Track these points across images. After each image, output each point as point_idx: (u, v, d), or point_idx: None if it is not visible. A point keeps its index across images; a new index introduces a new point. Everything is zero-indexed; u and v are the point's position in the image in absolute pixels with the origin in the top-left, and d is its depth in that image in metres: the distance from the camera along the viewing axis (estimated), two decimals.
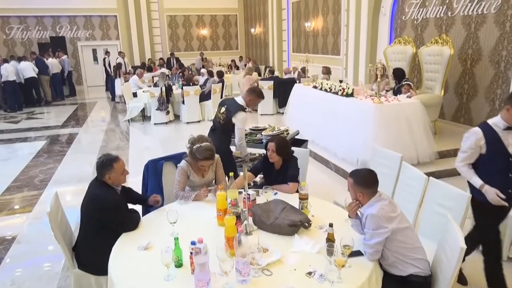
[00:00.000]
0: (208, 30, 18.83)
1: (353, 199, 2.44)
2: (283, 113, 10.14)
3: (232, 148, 4.41)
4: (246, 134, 4.64)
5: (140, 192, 3.67)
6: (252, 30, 17.68)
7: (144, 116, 9.93)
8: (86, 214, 2.77)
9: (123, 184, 2.95)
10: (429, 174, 5.32)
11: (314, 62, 11.18)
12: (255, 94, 4.12)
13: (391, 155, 3.68)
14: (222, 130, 4.18)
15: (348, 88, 6.13)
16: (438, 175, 5.48)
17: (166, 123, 9.47)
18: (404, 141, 5.42)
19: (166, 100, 9.27)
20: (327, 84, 6.83)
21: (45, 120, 10.61)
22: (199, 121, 9.57)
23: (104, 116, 11.02)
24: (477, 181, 2.81)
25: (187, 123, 9.44)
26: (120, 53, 14.72)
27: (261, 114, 10.23)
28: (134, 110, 9.74)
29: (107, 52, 15.03)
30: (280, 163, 3.41)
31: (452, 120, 7.16)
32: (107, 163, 2.73)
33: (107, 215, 2.63)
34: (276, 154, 3.32)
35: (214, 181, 3.47)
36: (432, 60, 6.65)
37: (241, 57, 17.55)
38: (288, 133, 4.59)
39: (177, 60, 15.70)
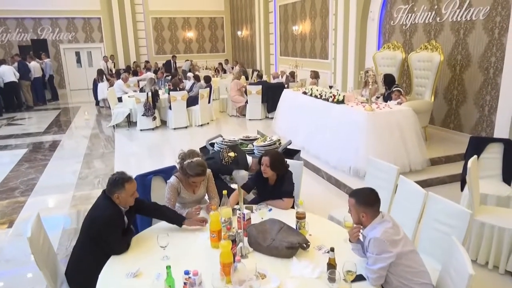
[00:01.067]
0: (194, 33, 18.63)
1: (355, 221, 2.33)
2: (271, 118, 10.05)
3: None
4: (237, 145, 4.51)
5: None
6: (239, 33, 17.56)
7: (129, 121, 9.69)
8: (83, 227, 2.67)
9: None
10: (421, 182, 5.35)
11: (302, 66, 11.13)
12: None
13: (387, 167, 3.60)
14: (222, 166, 3.98)
15: (339, 95, 6.06)
16: (430, 183, 5.46)
17: (153, 129, 9.25)
18: (396, 149, 5.37)
19: (152, 106, 9.06)
20: (317, 90, 6.75)
21: (26, 126, 10.27)
22: (186, 127, 9.38)
23: (88, 122, 10.73)
24: None
25: (174, 129, 9.25)
26: (104, 57, 14.42)
27: (250, 119, 10.10)
28: (119, 116, 9.50)
29: (111, 56, 14.82)
30: (274, 178, 3.29)
31: (442, 126, 7.16)
32: (119, 182, 2.61)
33: (98, 228, 2.50)
34: (270, 169, 3.19)
35: (206, 197, 3.34)
36: (422, 66, 6.63)
37: (226, 60, 17.37)
38: (281, 143, 4.47)
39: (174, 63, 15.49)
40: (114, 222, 2.55)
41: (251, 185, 3.41)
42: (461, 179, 4.56)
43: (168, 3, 17.67)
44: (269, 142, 4.30)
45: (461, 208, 2.67)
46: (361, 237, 2.32)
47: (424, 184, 5.34)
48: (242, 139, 4.56)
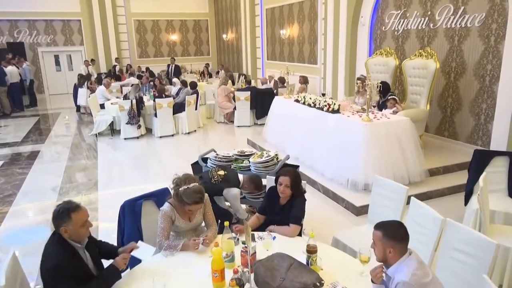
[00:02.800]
0: (178, 36, 18.23)
1: (379, 257, 2.10)
2: (261, 124, 9.81)
3: None
4: (231, 160, 4.24)
5: (115, 239, 3.20)
6: (224, 36, 17.26)
7: (113, 129, 9.28)
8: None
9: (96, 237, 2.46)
10: (420, 195, 5.18)
11: (294, 72, 10.91)
12: (254, 185, 4.08)
13: (394, 187, 3.39)
14: (211, 185, 3.70)
15: (334, 104, 5.85)
16: (429, 195, 5.30)
17: (138, 137, 8.87)
18: (395, 161, 5.20)
19: (137, 114, 8.69)
20: (310, 98, 6.53)
21: (3, 135, 9.72)
22: (173, 135, 9.04)
23: (69, 130, 10.26)
24: None
25: (160, 137, 8.89)
26: (85, 62, 13.91)
27: (238, 126, 9.82)
28: (102, 124, 9.08)
29: (91, 60, 14.29)
30: (287, 198, 3.06)
31: (436, 134, 7.04)
32: (64, 213, 2.24)
33: (47, 283, 2.16)
34: (290, 190, 3.01)
35: (202, 224, 3.05)
36: (416, 74, 6.49)
37: (207, 63, 16.90)
38: (278, 158, 4.21)
39: (147, 69, 14.97)
40: (62, 272, 2.14)
41: (266, 206, 3.20)
42: (466, 193, 4.42)
43: (151, 5, 17.23)
44: (266, 158, 4.04)
45: (484, 238, 2.47)
46: (385, 278, 2.08)
47: (423, 196, 5.19)
48: (237, 155, 4.28)
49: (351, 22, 8.52)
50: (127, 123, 8.67)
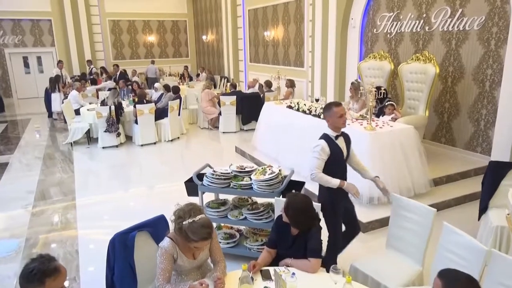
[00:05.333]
0: (155, 37, 17.57)
1: None
2: (247, 130, 9.43)
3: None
4: (230, 178, 3.81)
5: (104, 279, 2.71)
6: (204, 37, 16.74)
7: (89, 137, 8.65)
8: None
9: None
10: None
11: (273, 73, 10.54)
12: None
13: (419, 209, 3.06)
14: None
15: None
16: (436, 207, 4.97)
17: (117, 146, 8.29)
18: (400, 171, 4.90)
19: (116, 121, 8.10)
20: (304, 104, 6.18)
21: None
22: (155, 143, 8.50)
23: (41, 138, 9.53)
24: (337, 181, 3.12)
25: (142, 145, 8.34)
26: (59, 63, 13.08)
27: (223, 132, 9.38)
28: (78, 132, 8.43)
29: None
30: (296, 228, 2.67)
31: (432, 140, 6.83)
32: (36, 277, 1.77)
33: None
34: (286, 215, 2.65)
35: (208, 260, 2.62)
36: (414, 78, 6.24)
37: (186, 66, 16.32)
38: (282, 174, 3.81)
39: (125, 71, 14.23)
40: None
41: (275, 238, 2.78)
42: (480, 208, 4.16)
43: (127, 5, 16.53)
44: (270, 176, 3.63)
45: None
46: None
47: None
48: (236, 171, 3.85)
49: (340, 24, 8.23)
50: (105, 131, 8.08)
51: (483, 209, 4.06)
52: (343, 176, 3.25)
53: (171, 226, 2.73)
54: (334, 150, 3.17)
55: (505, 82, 5.50)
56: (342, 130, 3.28)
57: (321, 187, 3.29)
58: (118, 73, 13.18)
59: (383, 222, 4.51)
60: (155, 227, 2.87)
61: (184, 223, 2.30)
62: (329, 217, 3.26)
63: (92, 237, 4.55)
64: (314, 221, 2.67)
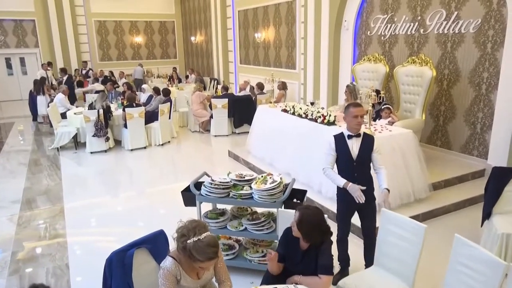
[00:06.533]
0: (143, 38, 17.27)
1: None
2: (239, 133, 9.28)
3: None
4: (229, 187, 3.65)
5: None
6: (192, 38, 16.51)
7: (77, 142, 8.38)
8: None
9: None
10: (427, 214, 4.81)
11: (264, 75, 10.42)
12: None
13: (409, 224, 2.84)
14: None
15: (330, 115, 5.39)
16: (436, 213, 4.96)
17: (106, 151, 8.04)
18: (400, 176, 4.81)
19: (104, 125, 7.85)
20: (300, 108, 6.05)
21: None
22: (145, 147, 8.28)
23: (26, 143, 9.20)
24: (342, 180, 3.15)
25: (131, 150, 8.11)
26: (43, 65, 12.72)
27: (215, 136, 9.21)
28: (65, 137, 8.16)
29: (48, 63, 13.04)
30: (306, 242, 2.54)
31: (427, 143, 6.78)
32: None
33: None
34: (297, 229, 2.53)
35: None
36: (410, 82, 6.18)
37: (175, 67, 16.09)
38: (284, 183, 3.67)
39: (112, 73, 13.93)
40: None
41: (283, 252, 2.64)
42: (483, 215, 4.09)
43: (113, 5, 16.22)
44: (272, 185, 3.48)
45: None
46: None
47: (430, 215, 4.85)
48: (235, 180, 3.69)
49: (333, 26, 8.14)
50: (93, 136, 7.82)
51: (486, 216, 3.99)
52: (348, 176, 3.18)
53: (171, 242, 2.58)
54: (341, 149, 3.22)
55: (502, 85, 5.48)
56: (368, 133, 3.31)
57: None
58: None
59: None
60: (154, 243, 2.70)
61: (188, 242, 2.14)
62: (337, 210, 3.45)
63: (83, 249, 4.34)
64: (327, 235, 2.54)
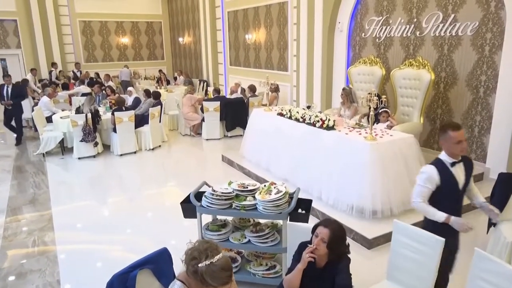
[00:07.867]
0: (129, 38, 16.92)
1: None
2: (231, 137, 9.11)
3: None
4: (231, 198, 3.48)
5: None
6: (180, 39, 16.25)
7: (63, 147, 8.08)
8: None
9: None
10: None
11: (255, 77, 10.29)
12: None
13: (424, 237, 2.70)
14: None
15: (329, 120, 5.27)
16: None
17: (94, 156, 7.76)
18: (402, 182, 4.71)
19: (93, 129, 7.58)
20: (297, 112, 5.91)
21: None
22: (135, 152, 8.03)
23: (8, 148, 8.84)
24: (442, 215, 2.76)
25: (121, 155, 7.85)
26: (32, 70, 12.30)
27: (207, 139, 9.01)
28: (51, 142, 7.84)
29: (32, 70, 12.52)
30: (325, 259, 2.38)
31: (424, 146, 6.71)
32: None
33: None
34: (326, 248, 2.33)
35: None
36: (408, 85, 6.11)
37: (160, 70, 15.74)
38: (289, 194, 3.51)
39: (97, 75, 13.54)
40: None
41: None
42: (489, 222, 4.02)
43: (98, 5, 15.83)
44: (277, 196, 3.32)
45: None
46: None
47: None
48: (238, 190, 3.52)
49: (327, 28, 8.04)
50: (81, 141, 7.54)
51: (493, 222, 3.91)
52: (453, 210, 2.77)
53: (175, 261, 2.41)
54: (447, 180, 2.76)
55: (500, 88, 5.45)
56: (463, 155, 2.83)
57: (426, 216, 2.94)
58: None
59: (387, 237, 4.29)
60: (157, 263, 2.52)
61: (200, 265, 1.96)
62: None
63: (75, 263, 4.10)
64: (348, 248, 2.43)
